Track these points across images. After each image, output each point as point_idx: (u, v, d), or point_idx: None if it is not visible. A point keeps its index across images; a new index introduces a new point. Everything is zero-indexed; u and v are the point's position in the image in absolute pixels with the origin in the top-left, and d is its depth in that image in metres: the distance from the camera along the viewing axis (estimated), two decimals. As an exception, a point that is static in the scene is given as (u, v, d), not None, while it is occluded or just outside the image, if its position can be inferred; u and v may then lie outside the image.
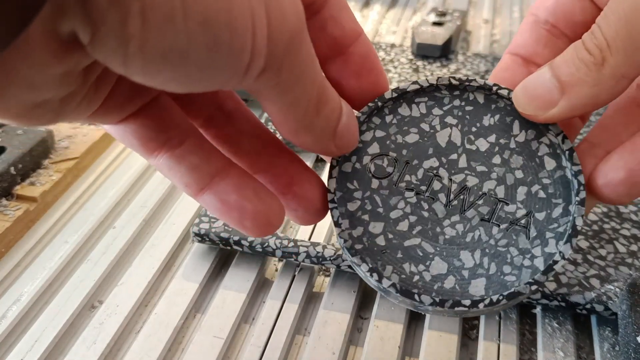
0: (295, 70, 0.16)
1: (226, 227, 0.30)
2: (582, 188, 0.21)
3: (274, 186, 0.21)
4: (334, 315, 0.28)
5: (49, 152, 0.37)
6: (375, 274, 0.21)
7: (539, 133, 0.22)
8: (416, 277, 0.21)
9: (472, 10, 0.61)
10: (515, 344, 0.27)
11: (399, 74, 0.45)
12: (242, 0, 0.14)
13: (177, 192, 0.36)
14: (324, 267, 0.31)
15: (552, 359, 0.26)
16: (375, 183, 0.22)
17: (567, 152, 0.22)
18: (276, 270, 0.31)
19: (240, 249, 0.30)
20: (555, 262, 0.21)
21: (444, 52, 0.48)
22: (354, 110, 0.21)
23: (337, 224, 0.22)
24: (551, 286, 0.27)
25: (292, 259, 0.29)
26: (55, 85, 0.14)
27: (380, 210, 0.22)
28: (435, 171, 0.22)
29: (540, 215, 0.22)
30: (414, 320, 0.28)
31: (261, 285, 0.30)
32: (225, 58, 0.15)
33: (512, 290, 0.21)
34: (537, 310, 0.28)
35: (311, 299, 0.29)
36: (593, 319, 0.28)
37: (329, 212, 0.22)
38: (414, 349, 0.27)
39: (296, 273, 0.30)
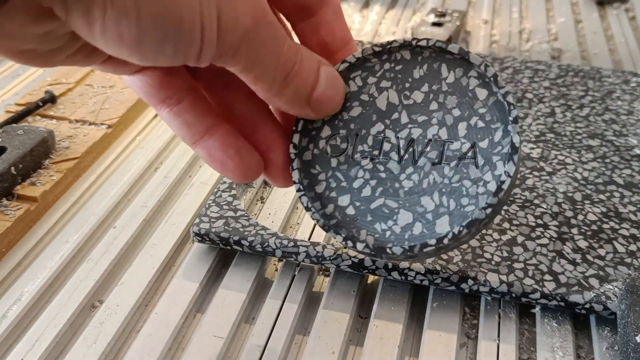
0: (252, 55, 0.20)
1: (226, 227, 0.30)
2: (512, 107, 0.23)
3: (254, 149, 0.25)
4: (333, 315, 0.28)
5: (50, 152, 0.37)
6: (349, 242, 0.23)
7: (465, 69, 0.24)
8: (388, 233, 0.23)
9: (471, 11, 0.62)
10: (514, 343, 0.27)
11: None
12: (192, 6, 0.17)
13: (177, 192, 0.36)
14: (324, 267, 0.31)
15: (551, 358, 0.26)
16: (334, 162, 0.24)
17: (492, 78, 0.23)
18: (276, 270, 0.31)
19: (240, 249, 0.30)
20: (503, 182, 0.22)
21: (443, 52, 0.48)
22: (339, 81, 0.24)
23: (308, 208, 0.24)
24: (550, 286, 0.27)
25: (292, 259, 0.29)
26: (36, 40, 0.17)
27: (344, 184, 0.24)
28: (382, 134, 0.24)
29: (483, 144, 0.23)
30: (414, 320, 0.28)
31: (261, 285, 0.30)
32: (175, 47, 0.18)
33: (470, 219, 0.22)
34: (537, 309, 0.28)
35: (311, 299, 0.29)
36: (592, 319, 0.28)
37: (299, 199, 0.24)
38: (414, 348, 0.27)
39: (296, 273, 0.30)
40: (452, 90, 0.24)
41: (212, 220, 0.31)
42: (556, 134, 0.38)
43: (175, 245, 0.32)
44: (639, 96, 0.43)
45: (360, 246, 0.23)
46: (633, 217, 0.32)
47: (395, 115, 0.24)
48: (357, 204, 0.24)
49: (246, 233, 0.30)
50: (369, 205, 0.24)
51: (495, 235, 0.30)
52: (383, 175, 0.24)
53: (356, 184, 0.24)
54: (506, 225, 0.31)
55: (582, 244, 0.30)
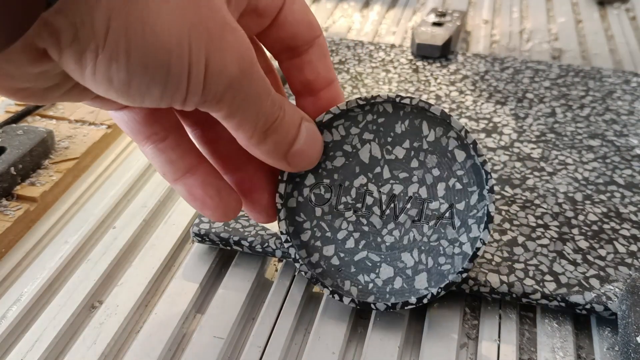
0: (235, 105, 0.20)
1: (226, 228, 0.30)
2: (489, 176, 0.24)
3: (238, 188, 0.25)
4: (333, 315, 0.28)
5: (49, 153, 0.37)
6: (336, 295, 0.25)
7: (445, 129, 0.25)
8: (370, 285, 0.25)
9: (471, 11, 0.62)
10: (515, 344, 0.27)
11: (399, 74, 0.45)
12: (181, 54, 0.17)
13: (177, 193, 0.36)
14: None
15: (551, 358, 0.26)
16: (318, 211, 0.25)
17: (471, 145, 0.24)
18: (276, 270, 0.31)
19: (240, 249, 0.30)
20: (478, 249, 0.24)
21: (443, 52, 0.48)
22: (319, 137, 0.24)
23: (295, 260, 0.25)
24: (551, 286, 0.27)
25: (292, 259, 0.29)
26: (32, 79, 0.18)
27: (329, 234, 0.25)
28: (365, 187, 0.25)
29: (460, 206, 0.25)
30: (414, 321, 0.28)
31: (261, 285, 0.30)
32: (161, 92, 0.18)
33: (447, 282, 0.25)
34: (537, 310, 0.28)
35: (311, 299, 0.29)
36: (593, 319, 0.28)
37: (287, 249, 0.25)
38: (414, 348, 0.27)
39: (296, 273, 0.30)
40: (432, 149, 0.25)
41: (212, 220, 0.31)
42: (557, 134, 0.38)
43: (175, 246, 0.32)
44: (639, 96, 0.43)
45: (346, 300, 0.25)
46: (634, 218, 0.32)
47: (378, 170, 0.25)
48: (342, 254, 0.25)
49: (246, 233, 0.30)
50: (352, 257, 0.25)
51: (496, 236, 0.30)
52: (366, 228, 0.25)
53: (340, 235, 0.25)
54: (507, 225, 0.31)
55: (583, 244, 0.30)
